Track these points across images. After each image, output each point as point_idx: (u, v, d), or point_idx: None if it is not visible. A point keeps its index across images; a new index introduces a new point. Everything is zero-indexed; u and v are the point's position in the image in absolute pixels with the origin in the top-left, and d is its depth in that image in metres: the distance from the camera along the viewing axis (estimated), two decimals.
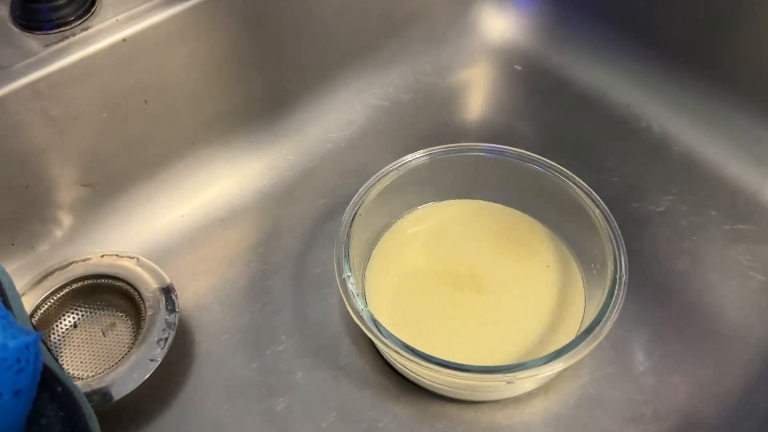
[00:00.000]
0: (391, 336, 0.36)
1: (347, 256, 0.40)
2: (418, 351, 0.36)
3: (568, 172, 0.44)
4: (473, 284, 0.43)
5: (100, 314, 0.44)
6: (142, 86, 0.44)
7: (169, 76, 0.44)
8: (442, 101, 0.58)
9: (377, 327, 0.37)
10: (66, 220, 0.45)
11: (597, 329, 0.36)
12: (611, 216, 0.41)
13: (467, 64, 0.60)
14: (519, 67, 0.60)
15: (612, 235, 0.40)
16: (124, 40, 0.41)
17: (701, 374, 0.41)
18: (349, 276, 0.39)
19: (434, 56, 0.59)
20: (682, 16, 0.52)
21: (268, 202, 0.50)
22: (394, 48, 0.57)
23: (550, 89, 0.59)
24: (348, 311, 0.38)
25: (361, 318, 0.37)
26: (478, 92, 0.59)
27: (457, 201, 0.47)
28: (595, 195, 0.42)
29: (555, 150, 0.53)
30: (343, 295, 0.38)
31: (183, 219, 0.48)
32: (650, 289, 0.45)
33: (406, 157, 0.45)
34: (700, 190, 0.50)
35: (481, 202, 0.47)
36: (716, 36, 0.51)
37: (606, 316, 0.36)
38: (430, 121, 0.56)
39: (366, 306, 0.38)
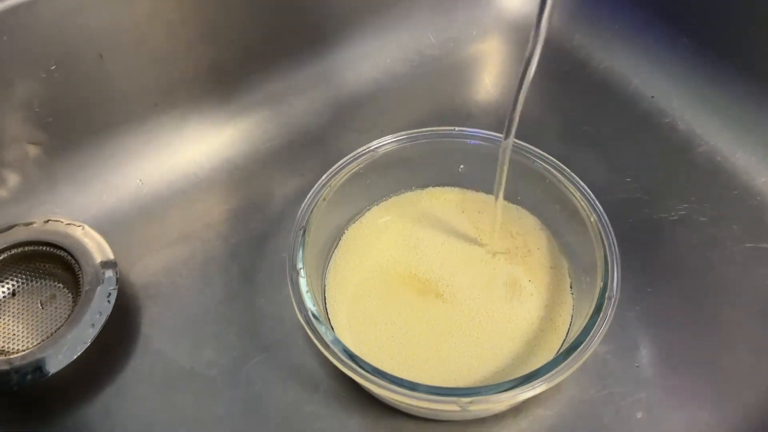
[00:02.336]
0: (336, 341, 0.32)
1: (303, 245, 0.36)
2: (363, 362, 0.31)
3: (564, 168, 0.38)
4: (446, 288, 0.38)
5: (40, 284, 0.41)
6: (96, 39, 0.39)
7: (127, 31, 0.40)
8: (444, 78, 0.52)
9: (322, 329, 0.32)
10: (11, 179, 0.42)
11: (573, 356, 0.31)
12: (608, 224, 0.35)
13: (477, 38, 0.54)
14: None
15: (606, 245, 0.35)
16: None
17: (697, 415, 0.36)
18: (301, 269, 0.35)
19: (440, 26, 0.54)
20: (722, 3, 0.45)
21: (237, 176, 0.46)
22: (395, 14, 0.51)
23: (567, 73, 0.53)
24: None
25: (306, 317, 0.33)
26: (486, 71, 0.53)
27: (437, 189, 0.42)
28: (593, 198, 0.37)
29: (566, 140, 0.48)
30: (290, 289, 0.34)
31: (141, 187, 0.44)
32: (650, 309, 0.39)
33: (382, 139, 0.40)
34: (723, 201, 0.44)
35: (465, 191, 0.42)
36: (759, 28, 0.44)
37: (585, 341, 0.31)
38: (428, 100, 0.51)
39: (315, 304, 0.33)
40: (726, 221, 0.43)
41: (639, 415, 0.36)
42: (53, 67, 0.39)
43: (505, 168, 0.35)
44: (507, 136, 0.34)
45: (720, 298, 0.40)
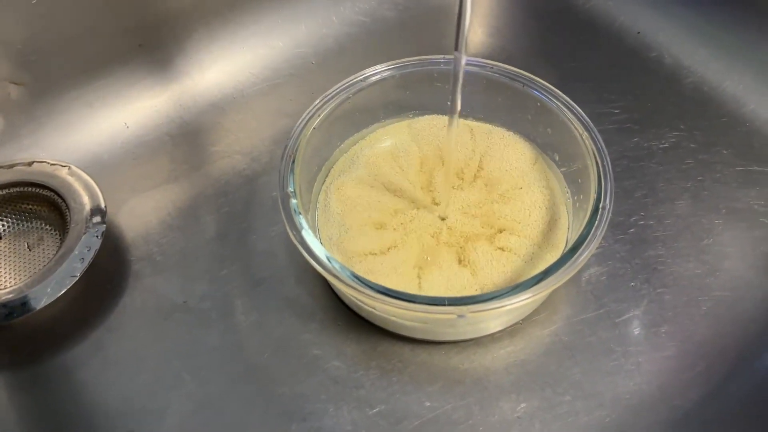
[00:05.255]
0: (329, 257, 0.32)
1: (292, 170, 0.35)
2: (356, 275, 0.31)
3: (557, 91, 0.38)
4: (442, 208, 0.38)
5: (27, 226, 0.40)
6: None
7: None
8: (431, 21, 0.52)
9: (314, 247, 0.32)
10: None
11: (568, 264, 0.31)
12: (599, 138, 0.35)
13: None
14: None
15: (598, 159, 0.34)
16: None
17: (693, 328, 0.36)
18: (292, 192, 0.34)
19: None
20: None
21: (224, 118, 0.45)
22: None
23: (554, 13, 0.53)
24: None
25: (298, 236, 0.32)
26: (473, 13, 0.53)
27: (430, 117, 0.42)
28: (585, 116, 0.37)
29: (554, 76, 0.47)
30: (282, 212, 0.34)
31: (127, 130, 0.44)
32: (643, 230, 0.39)
33: (374, 67, 0.39)
34: (713, 128, 0.44)
35: (459, 119, 0.42)
36: None
37: (580, 249, 0.31)
38: (415, 42, 0.51)
39: (308, 224, 0.33)
40: (716, 147, 0.43)
41: (636, 331, 0.36)
42: (34, 1, 0.38)
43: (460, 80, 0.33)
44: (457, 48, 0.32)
45: (712, 216, 0.40)
